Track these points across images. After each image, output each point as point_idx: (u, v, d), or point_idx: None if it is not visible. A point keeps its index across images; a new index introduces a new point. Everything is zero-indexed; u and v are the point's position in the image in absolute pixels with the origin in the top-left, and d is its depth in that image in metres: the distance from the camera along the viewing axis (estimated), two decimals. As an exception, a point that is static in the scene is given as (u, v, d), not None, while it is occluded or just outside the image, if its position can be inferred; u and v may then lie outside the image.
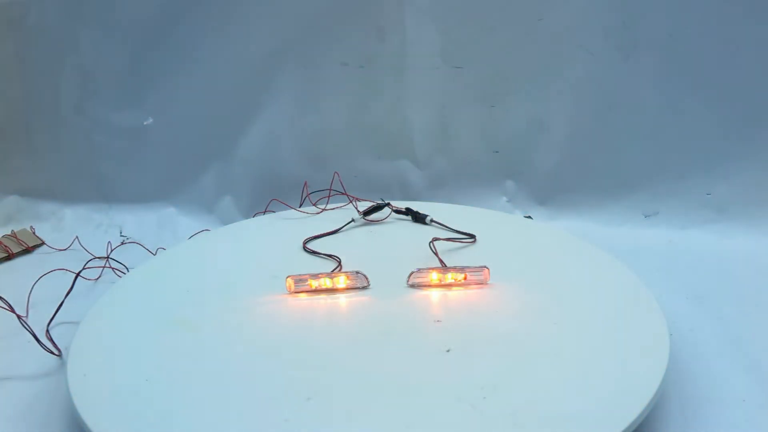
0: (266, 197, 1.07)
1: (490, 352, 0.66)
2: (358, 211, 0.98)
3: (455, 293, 0.77)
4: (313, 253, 0.88)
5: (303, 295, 0.78)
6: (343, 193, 1.02)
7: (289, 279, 0.78)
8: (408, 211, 0.98)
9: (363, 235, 0.95)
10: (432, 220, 0.95)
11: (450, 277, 0.78)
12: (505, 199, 1.16)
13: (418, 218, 0.96)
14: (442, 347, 0.66)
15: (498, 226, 0.95)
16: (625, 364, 0.64)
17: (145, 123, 1.19)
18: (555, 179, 1.13)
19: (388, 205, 0.99)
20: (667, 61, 1.03)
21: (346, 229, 0.96)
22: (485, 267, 0.77)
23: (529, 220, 1.09)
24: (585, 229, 1.08)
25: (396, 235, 0.95)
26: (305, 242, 0.91)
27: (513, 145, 1.13)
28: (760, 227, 1.03)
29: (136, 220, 1.20)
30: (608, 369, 0.63)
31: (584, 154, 1.11)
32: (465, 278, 0.77)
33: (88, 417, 0.59)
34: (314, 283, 0.78)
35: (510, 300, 0.75)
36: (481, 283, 0.77)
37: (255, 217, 1.06)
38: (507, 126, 1.12)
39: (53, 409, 0.70)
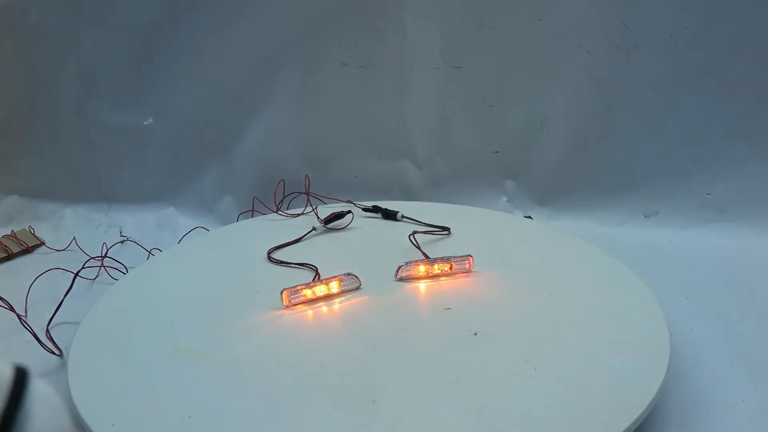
0: (266, 197, 1.07)
1: (497, 348, 0.66)
2: (319, 219, 0.95)
3: (445, 282, 0.79)
4: (282, 263, 0.85)
5: (301, 307, 0.75)
6: (312, 195, 1.02)
7: (284, 292, 0.74)
8: (376, 209, 0.95)
9: (328, 239, 0.93)
10: (403, 216, 0.93)
11: (437, 268, 0.80)
12: (505, 199, 1.16)
13: (389, 215, 0.95)
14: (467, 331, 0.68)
15: (498, 226, 0.95)
16: (625, 364, 0.64)
17: (145, 123, 1.19)
18: (555, 179, 1.13)
19: (349, 212, 0.95)
20: (667, 61, 1.03)
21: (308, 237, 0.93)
22: (469, 255, 0.80)
23: (529, 220, 1.09)
24: (585, 229, 1.08)
25: (365, 235, 0.94)
26: (269, 253, 0.88)
27: (513, 145, 1.13)
28: (760, 227, 1.03)
29: (136, 220, 1.20)
30: (608, 369, 0.63)
31: (584, 154, 1.11)
32: (450, 268, 0.80)
33: (88, 417, 0.59)
34: (308, 293, 0.75)
35: (510, 300, 0.75)
36: (466, 272, 0.80)
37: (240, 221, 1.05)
38: (507, 126, 1.12)
39: (53, 409, 0.69)
